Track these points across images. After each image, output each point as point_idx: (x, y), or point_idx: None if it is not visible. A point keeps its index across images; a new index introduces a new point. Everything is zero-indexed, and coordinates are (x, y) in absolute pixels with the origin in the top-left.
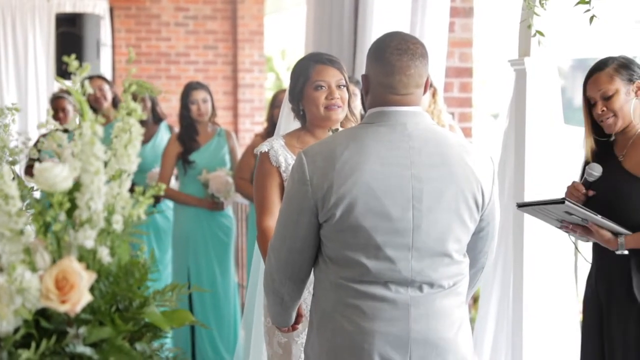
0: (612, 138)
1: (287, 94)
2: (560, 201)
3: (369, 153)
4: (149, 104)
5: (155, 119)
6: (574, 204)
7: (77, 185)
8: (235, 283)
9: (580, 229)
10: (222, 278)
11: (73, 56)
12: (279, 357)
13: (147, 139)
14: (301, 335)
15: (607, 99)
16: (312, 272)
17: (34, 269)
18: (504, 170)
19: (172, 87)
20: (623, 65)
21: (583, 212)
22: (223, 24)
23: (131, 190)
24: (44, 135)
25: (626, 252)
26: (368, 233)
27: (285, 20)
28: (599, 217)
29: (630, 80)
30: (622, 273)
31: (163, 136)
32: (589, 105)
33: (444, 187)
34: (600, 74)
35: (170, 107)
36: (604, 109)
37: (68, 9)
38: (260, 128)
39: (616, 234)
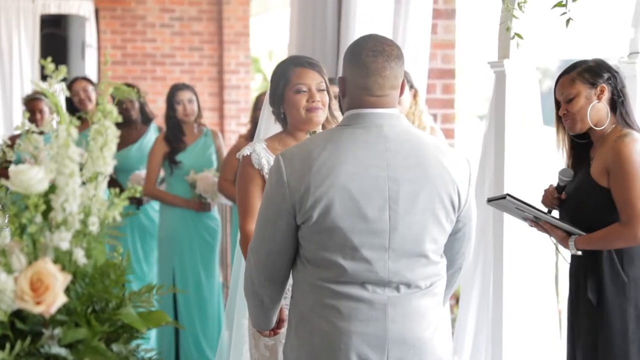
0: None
1: (267, 97)
2: (503, 197)
3: (345, 155)
4: (137, 105)
5: (144, 119)
6: (516, 199)
7: (52, 188)
8: (220, 284)
9: (539, 227)
10: (207, 279)
11: (49, 59)
12: (265, 359)
13: (135, 139)
14: None
15: (569, 101)
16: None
17: (9, 270)
18: (483, 171)
19: (157, 89)
20: (589, 69)
21: (529, 209)
22: (209, 25)
23: (121, 190)
24: (18, 136)
25: (579, 253)
26: (345, 234)
27: (271, 22)
28: (547, 216)
29: (593, 84)
30: (585, 275)
31: (151, 137)
32: (558, 107)
33: (420, 188)
34: (565, 78)
35: (156, 108)
36: (565, 111)
37: (53, 10)
38: (245, 130)
39: (571, 234)
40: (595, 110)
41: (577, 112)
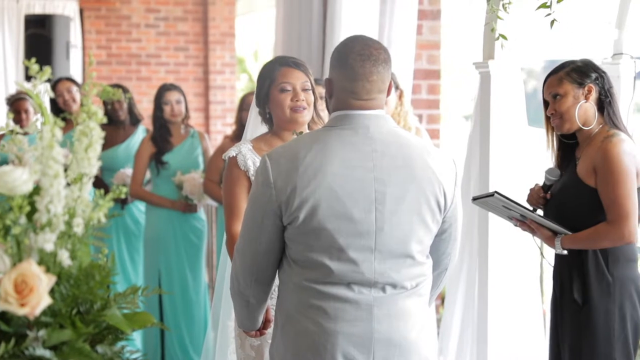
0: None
1: (254, 97)
2: (491, 194)
3: (332, 156)
4: (125, 105)
5: (132, 120)
6: (504, 197)
7: (37, 189)
8: (206, 285)
9: (526, 226)
10: (193, 280)
11: (33, 60)
12: (251, 359)
13: (122, 139)
14: None
15: (556, 101)
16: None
17: None
18: (469, 172)
19: (142, 89)
20: (576, 69)
21: (516, 207)
22: (194, 25)
23: (106, 191)
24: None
25: (565, 252)
26: (331, 235)
27: (257, 22)
28: (534, 215)
29: (581, 84)
30: (569, 275)
31: (139, 138)
32: (546, 106)
33: (406, 190)
34: (553, 77)
35: (141, 108)
36: (553, 110)
37: (37, 10)
38: (231, 130)
39: (557, 234)
40: (583, 110)
41: (564, 111)
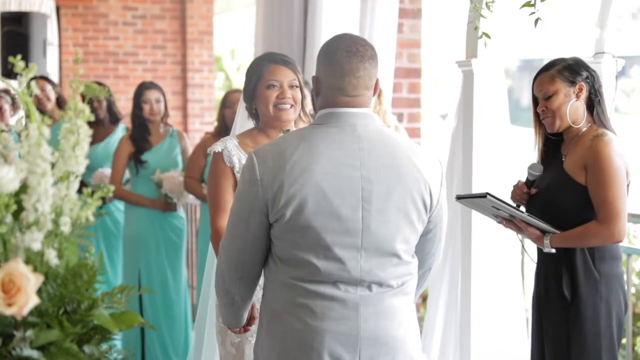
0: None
1: (242, 93)
2: (483, 195)
3: (319, 154)
4: (104, 104)
5: (112, 119)
6: (496, 198)
7: (23, 187)
8: (186, 284)
9: (513, 225)
10: (174, 280)
11: (19, 57)
12: (232, 357)
13: (101, 138)
14: (255, 335)
15: (547, 98)
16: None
17: None
18: (452, 170)
19: (120, 87)
20: (567, 67)
21: (507, 208)
22: (172, 23)
23: (79, 190)
24: None
25: (553, 251)
26: (318, 233)
27: (235, 20)
28: (524, 214)
29: (572, 82)
30: (555, 272)
31: (118, 137)
32: (536, 103)
33: (393, 189)
34: (545, 75)
35: (119, 106)
36: (544, 108)
37: (14, 7)
38: (210, 128)
39: (545, 232)
40: (574, 108)
41: (556, 109)
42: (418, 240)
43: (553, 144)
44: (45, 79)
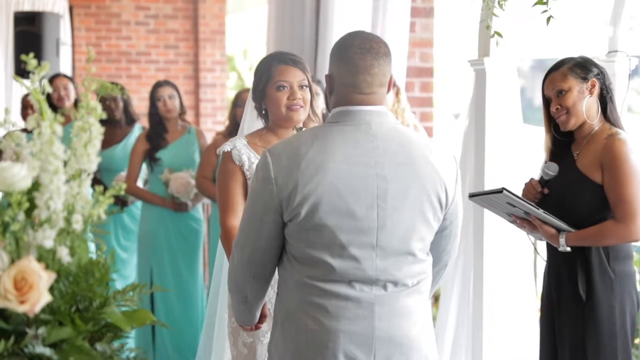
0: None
1: (250, 92)
2: (499, 191)
3: (333, 152)
4: (120, 104)
5: (128, 120)
6: (512, 194)
7: (36, 185)
8: (204, 285)
9: (527, 224)
10: (190, 280)
11: (31, 55)
12: (244, 357)
13: (119, 139)
14: (266, 335)
15: (560, 96)
16: (276, 271)
17: None
18: (464, 169)
19: (132, 87)
20: (578, 64)
21: (523, 204)
22: (184, 23)
23: (104, 189)
24: None
25: (568, 249)
26: (332, 232)
27: (247, 20)
28: (540, 211)
29: (585, 79)
30: (569, 271)
31: (135, 137)
32: (547, 103)
33: (408, 187)
34: (556, 73)
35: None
36: (558, 106)
37: (27, 7)
38: (222, 127)
39: (560, 231)
40: (588, 105)
41: (571, 106)
42: (433, 238)
43: (562, 145)
44: (67, 77)
